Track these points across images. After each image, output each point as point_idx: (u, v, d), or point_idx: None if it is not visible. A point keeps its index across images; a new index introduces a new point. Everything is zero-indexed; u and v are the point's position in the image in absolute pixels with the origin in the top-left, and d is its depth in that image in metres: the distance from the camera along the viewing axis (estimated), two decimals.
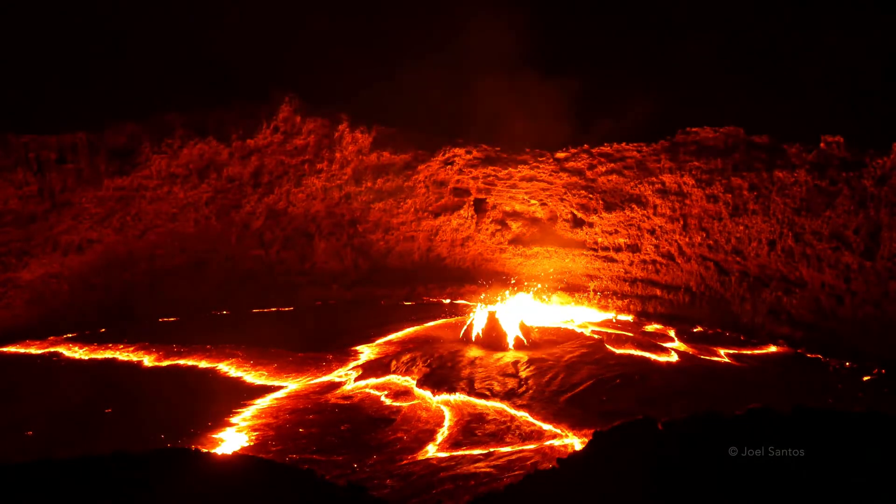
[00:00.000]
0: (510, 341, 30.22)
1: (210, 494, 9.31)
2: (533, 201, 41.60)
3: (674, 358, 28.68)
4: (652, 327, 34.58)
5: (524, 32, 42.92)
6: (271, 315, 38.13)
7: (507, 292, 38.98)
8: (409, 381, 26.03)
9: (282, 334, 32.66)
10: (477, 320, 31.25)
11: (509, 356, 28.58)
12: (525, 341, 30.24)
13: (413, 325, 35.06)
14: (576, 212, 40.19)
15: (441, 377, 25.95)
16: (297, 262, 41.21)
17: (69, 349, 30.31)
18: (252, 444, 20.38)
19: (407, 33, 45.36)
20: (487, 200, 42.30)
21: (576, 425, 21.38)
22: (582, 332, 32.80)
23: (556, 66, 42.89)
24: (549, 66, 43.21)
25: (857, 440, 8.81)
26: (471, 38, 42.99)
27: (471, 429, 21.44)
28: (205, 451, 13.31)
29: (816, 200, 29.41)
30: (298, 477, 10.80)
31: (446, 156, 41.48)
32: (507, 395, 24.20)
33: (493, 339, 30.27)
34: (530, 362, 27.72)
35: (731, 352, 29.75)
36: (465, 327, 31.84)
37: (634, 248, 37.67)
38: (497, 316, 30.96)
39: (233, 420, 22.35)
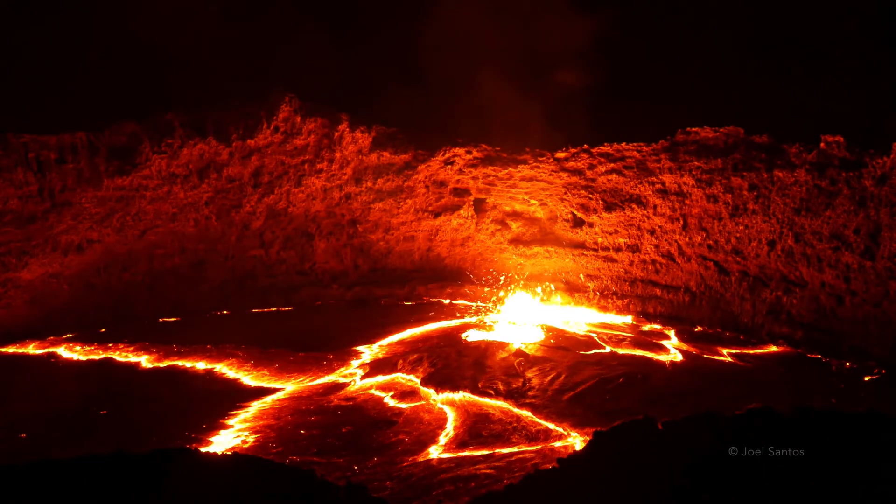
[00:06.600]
0: (512, 341, 30.19)
1: (209, 495, 9.29)
2: (533, 201, 41.56)
3: (675, 357, 28.69)
4: (652, 327, 34.56)
5: (524, 32, 42.91)
6: (271, 315, 38.10)
7: (507, 292, 38.96)
8: (413, 381, 26.05)
9: (282, 334, 32.66)
10: (479, 320, 31.24)
11: (512, 356, 28.58)
12: (526, 341, 30.22)
13: (414, 325, 35.02)
14: (576, 212, 40.15)
15: (445, 376, 25.98)
16: (297, 262, 41.18)
17: (69, 349, 30.28)
18: (253, 445, 20.36)
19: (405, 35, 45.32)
20: (487, 200, 42.27)
21: (578, 424, 21.42)
22: (583, 332, 32.78)
23: (556, 66, 42.83)
24: (549, 66, 43.15)
25: (857, 440, 8.81)
26: (470, 37, 42.97)
27: (476, 429, 21.47)
28: (204, 451, 13.29)
29: (816, 200, 29.39)
30: (298, 478, 10.79)
31: (446, 156, 41.44)
32: (511, 395, 24.23)
33: (495, 339, 30.24)
34: (533, 362, 27.74)
35: (731, 351, 29.75)
36: (467, 327, 31.82)
37: (634, 248, 37.63)
38: (498, 316, 30.95)
39: (232, 421, 22.33)
